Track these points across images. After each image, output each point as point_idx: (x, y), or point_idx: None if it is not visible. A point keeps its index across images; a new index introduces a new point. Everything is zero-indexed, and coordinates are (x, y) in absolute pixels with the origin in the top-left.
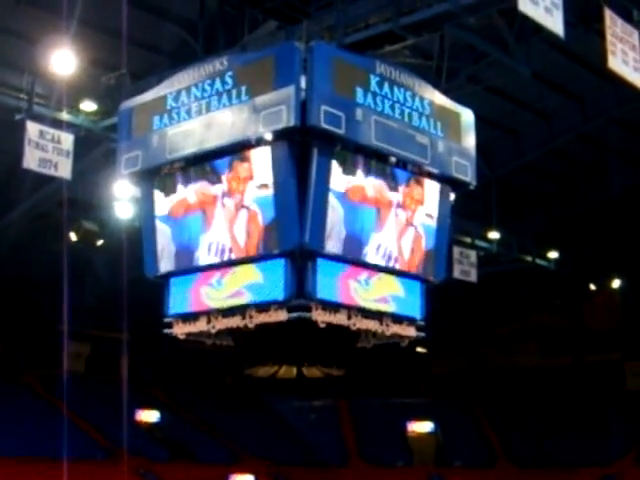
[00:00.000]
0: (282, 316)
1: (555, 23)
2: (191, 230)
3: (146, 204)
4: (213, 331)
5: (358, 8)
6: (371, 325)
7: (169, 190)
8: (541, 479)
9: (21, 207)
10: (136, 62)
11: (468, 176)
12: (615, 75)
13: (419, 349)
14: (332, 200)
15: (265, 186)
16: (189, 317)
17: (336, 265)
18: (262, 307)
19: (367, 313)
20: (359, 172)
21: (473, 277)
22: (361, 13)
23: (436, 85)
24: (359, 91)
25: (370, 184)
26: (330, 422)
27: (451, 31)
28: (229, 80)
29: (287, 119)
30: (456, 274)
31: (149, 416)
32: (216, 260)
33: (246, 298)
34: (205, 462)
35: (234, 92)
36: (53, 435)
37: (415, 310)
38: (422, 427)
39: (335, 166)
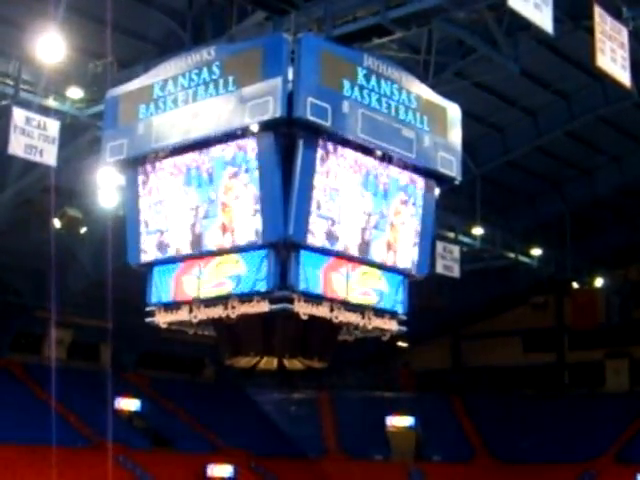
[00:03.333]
0: (264, 307)
1: (544, 19)
2: (176, 219)
3: (130, 192)
4: (195, 321)
5: (347, 0)
6: (353, 318)
7: (154, 178)
8: (520, 475)
9: (6, 193)
10: (123, 50)
11: (453, 171)
12: (603, 73)
13: (400, 343)
14: (317, 192)
15: (250, 177)
16: (171, 306)
17: (319, 257)
18: (244, 298)
19: (349, 306)
20: (342, 164)
21: (456, 272)
22: (349, 5)
23: (423, 79)
24: (346, 84)
25: (355, 177)
26: (310, 415)
27: (440, 25)
28: (216, 70)
29: (273, 110)
30: (439, 269)
31: (129, 404)
32: (199, 250)
33: (229, 288)
34: (184, 451)
35: (221, 82)
36: (33, 422)
37: (397, 304)
38: (402, 421)
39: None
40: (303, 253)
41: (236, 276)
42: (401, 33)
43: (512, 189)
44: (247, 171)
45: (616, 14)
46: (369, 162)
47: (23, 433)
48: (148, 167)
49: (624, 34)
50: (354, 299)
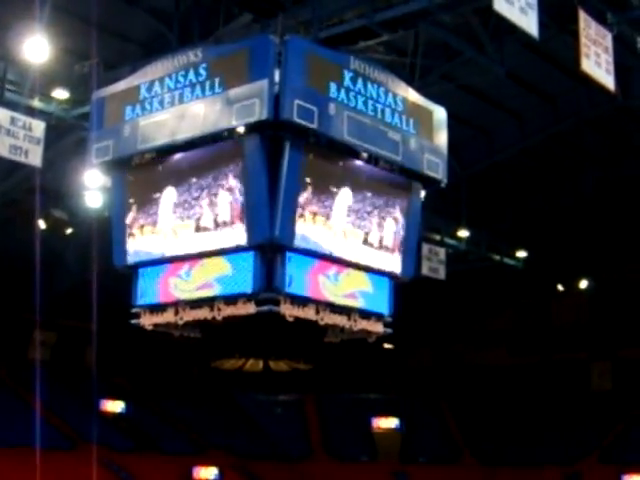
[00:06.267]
0: (250, 309)
1: (529, 23)
2: (162, 221)
3: (116, 194)
4: (181, 323)
5: (334, 3)
6: (339, 320)
7: (140, 180)
8: (505, 477)
9: None
10: (110, 51)
11: (439, 174)
12: (588, 77)
13: (386, 345)
14: (303, 194)
15: (237, 179)
16: (157, 308)
17: (305, 259)
18: (230, 300)
19: (335, 308)
20: (328, 166)
21: (441, 274)
22: (336, 8)
23: (409, 82)
24: (333, 86)
25: (340, 178)
26: (295, 417)
27: (426, 28)
28: (203, 72)
29: (260, 112)
30: (424, 271)
31: (114, 406)
32: (185, 252)
33: (215, 290)
34: (169, 454)
35: (207, 84)
36: (17, 424)
37: (383, 306)
38: (387, 423)
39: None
40: (289, 255)
41: (222, 278)
42: (387, 36)
43: (498, 191)
44: (233, 173)
45: (601, 19)
46: (356, 165)
47: (7, 435)
48: (133, 168)
49: (608, 39)
50: (340, 301)
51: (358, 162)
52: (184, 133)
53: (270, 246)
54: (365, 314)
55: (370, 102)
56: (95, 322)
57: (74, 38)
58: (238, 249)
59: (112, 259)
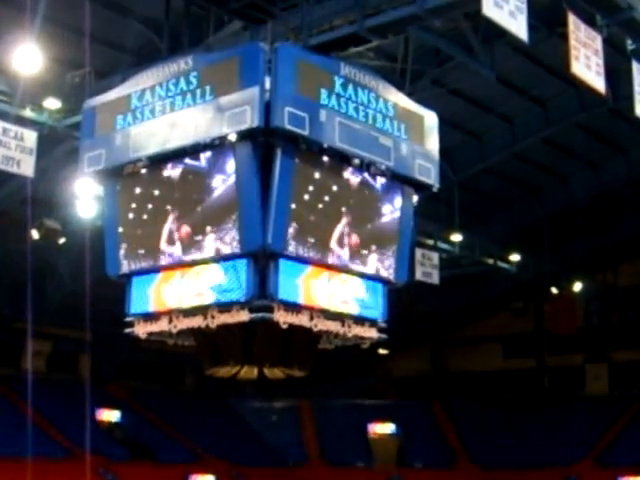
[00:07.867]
0: (244, 317)
1: (519, 27)
2: (155, 230)
3: (109, 203)
4: (174, 331)
5: (323, 9)
6: (333, 326)
7: (133, 189)
8: None
9: None
10: (101, 60)
11: (431, 178)
12: (578, 80)
13: (381, 351)
14: (295, 201)
15: (228, 186)
16: (150, 317)
17: (298, 266)
18: (224, 307)
19: (329, 314)
20: (320, 172)
21: (435, 279)
22: (326, 14)
23: (400, 87)
24: (323, 92)
25: (332, 185)
26: (291, 423)
27: (416, 34)
28: (194, 80)
29: (251, 120)
30: (418, 276)
31: (109, 415)
32: (178, 260)
33: (208, 298)
34: (165, 462)
35: (198, 92)
36: (12, 433)
37: (377, 312)
38: (383, 428)
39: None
40: (282, 262)
41: (215, 286)
42: (377, 41)
43: (490, 196)
44: (225, 181)
45: (590, 21)
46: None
47: (1, 445)
48: (126, 177)
49: (598, 41)
50: (333, 307)
51: (350, 168)
52: (176, 141)
53: (263, 253)
54: (359, 320)
55: (361, 108)
56: (89, 331)
57: (65, 48)
58: (231, 256)
59: (105, 268)
